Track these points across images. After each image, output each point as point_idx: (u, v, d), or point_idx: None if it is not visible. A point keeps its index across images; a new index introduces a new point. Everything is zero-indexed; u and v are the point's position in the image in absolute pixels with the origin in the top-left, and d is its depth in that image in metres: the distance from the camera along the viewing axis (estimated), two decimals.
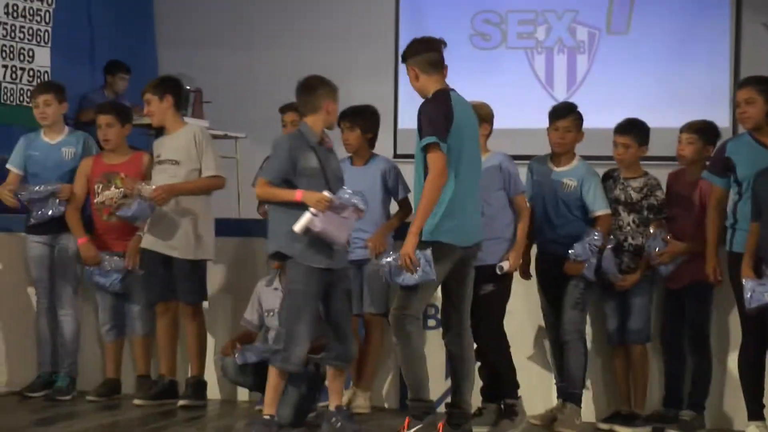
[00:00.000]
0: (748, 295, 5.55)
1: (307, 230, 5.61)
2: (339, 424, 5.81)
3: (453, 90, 5.66)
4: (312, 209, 5.60)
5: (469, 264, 5.73)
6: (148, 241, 6.72)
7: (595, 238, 6.09)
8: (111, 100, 8.99)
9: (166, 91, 6.78)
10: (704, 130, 6.28)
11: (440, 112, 5.48)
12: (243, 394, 6.96)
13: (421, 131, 5.48)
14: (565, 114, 6.31)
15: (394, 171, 6.60)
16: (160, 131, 7.17)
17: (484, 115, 6.13)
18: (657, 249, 6.14)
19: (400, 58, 5.85)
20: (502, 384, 6.24)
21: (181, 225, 6.67)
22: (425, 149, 5.45)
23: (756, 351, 5.92)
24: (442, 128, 5.44)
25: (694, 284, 6.16)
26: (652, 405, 6.37)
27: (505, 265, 6.07)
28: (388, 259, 5.55)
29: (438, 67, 5.65)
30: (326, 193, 5.61)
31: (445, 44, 5.71)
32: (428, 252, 5.43)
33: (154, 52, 11.34)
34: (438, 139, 5.41)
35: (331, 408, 5.88)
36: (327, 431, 5.85)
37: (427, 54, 5.64)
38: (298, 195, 5.66)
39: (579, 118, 6.34)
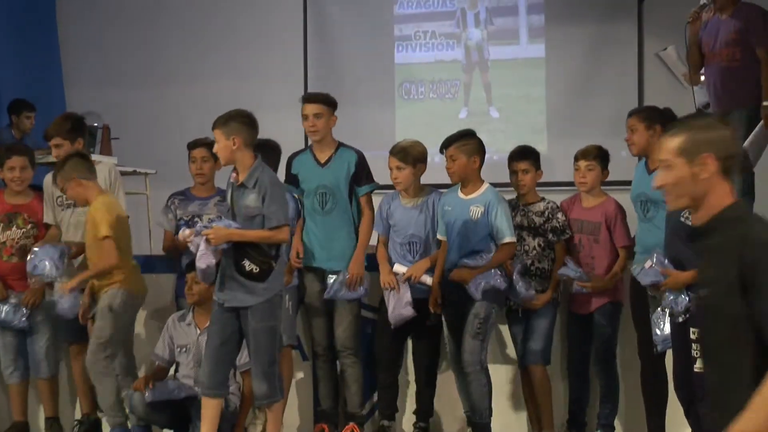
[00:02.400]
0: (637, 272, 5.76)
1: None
2: None
3: None
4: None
5: None
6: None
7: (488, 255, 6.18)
8: (18, 142, 8.89)
9: (78, 135, 6.77)
10: (602, 156, 6.40)
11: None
12: None
13: (362, 180, 6.39)
14: (447, 143, 6.31)
15: (294, 200, 6.59)
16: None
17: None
18: (575, 276, 6.20)
19: None
20: (420, 407, 6.48)
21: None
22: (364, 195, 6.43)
23: (654, 374, 6.01)
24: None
25: (602, 306, 6.26)
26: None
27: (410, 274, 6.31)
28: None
29: None
30: (182, 230, 5.73)
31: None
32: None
33: (61, 89, 11.20)
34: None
35: None
36: None
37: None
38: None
39: (466, 143, 6.29)
